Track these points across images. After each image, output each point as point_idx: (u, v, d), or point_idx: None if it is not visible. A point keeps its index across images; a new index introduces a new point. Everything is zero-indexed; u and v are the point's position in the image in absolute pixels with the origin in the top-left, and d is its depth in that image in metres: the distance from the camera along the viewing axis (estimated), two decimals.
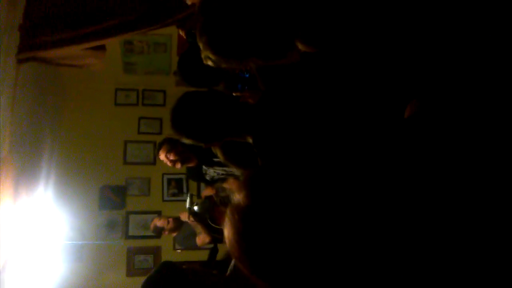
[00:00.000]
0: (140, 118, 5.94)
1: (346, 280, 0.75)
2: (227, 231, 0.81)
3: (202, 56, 1.52)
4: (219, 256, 4.70)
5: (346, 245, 0.73)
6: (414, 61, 1.27)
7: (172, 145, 3.64)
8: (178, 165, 3.68)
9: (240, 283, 1.55)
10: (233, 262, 1.62)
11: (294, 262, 0.74)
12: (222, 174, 3.45)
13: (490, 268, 0.77)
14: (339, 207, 0.75)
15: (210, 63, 1.51)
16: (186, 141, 1.94)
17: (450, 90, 1.08)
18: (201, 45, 1.49)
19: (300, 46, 1.43)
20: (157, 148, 3.75)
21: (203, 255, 4.72)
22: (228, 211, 0.82)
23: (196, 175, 3.75)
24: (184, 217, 4.38)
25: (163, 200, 5.76)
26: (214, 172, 3.45)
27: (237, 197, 0.80)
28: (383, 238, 0.75)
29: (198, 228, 4.30)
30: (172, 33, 5.18)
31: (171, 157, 3.62)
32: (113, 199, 5.60)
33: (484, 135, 0.85)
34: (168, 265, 1.66)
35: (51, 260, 3.62)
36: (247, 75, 2.39)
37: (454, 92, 1.05)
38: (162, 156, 3.69)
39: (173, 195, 5.78)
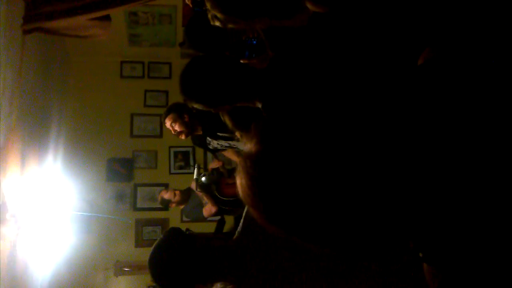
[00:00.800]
0: (146, 91, 5.93)
1: (358, 220, 0.75)
2: (240, 179, 0.81)
3: (209, 16, 1.50)
4: (226, 227, 4.76)
5: (355, 185, 0.73)
6: (427, 9, 1.25)
7: (178, 115, 3.62)
8: (183, 136, 3.68)
9: (247, 247, 1.56)
10: (239, 227, 1.64)
11: (306, 204, 0.74)
12: (225, 147, 3.45)
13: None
14: (350, 148, 0.74)
15: (217, 23, 1.49)
16: (195, 105, 1.92)
17: (463, 37, 1.07)
18: (208, 4, 1.46)
19: (310, 6, 1.41)
20: (164, 114, 3.73)
21: (211, 227, 4.79)
22: (240, 160, 0.82)
23: (201, 143, 3.75)
24: (214, 164, 4.41)
25: (170, 173, 5.80)
26: (218, 144, 3.45)
27: (248, 146, 0.80)
28: (394, 182, 0.75)
29: (205, 199, 4.34)
30: (177, 4, 5.13)
31: (177, 127, 3.62)
32: (120, 172, 5.64)
33: (495, 83, 0.84)
34: (176, 230, 1.67)
35: (60, 231, 3.67)
36: (255, 42, 2.36)
37: (466, 39, 1.04)
38: (168, 124, 3.68)
39: (180, 168, 5.82)
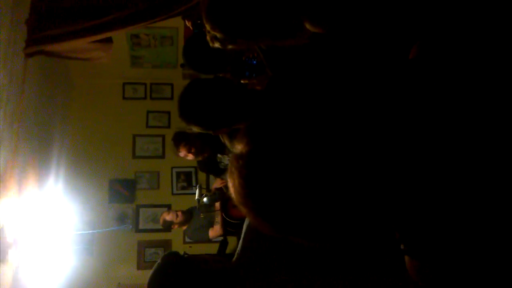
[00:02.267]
0: (148, 112, 5.95)
1: (346, 218, 0.77)
2: (232, 179, 0.83)
3: (208, 37, 1.51)
4: (229, 248, 4.73)
5: (342, 179, 0.76)
6: (418, 5, 1.27)
7: (187, 141, 3.69)
8: (191, 157, 3.74)
9: (245, 269, 1.55)
10: (238, 248, 1.63)
11: (296, 198, 0.76)
12: None
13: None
14: (337, 146, 0.77)
15: (217, 44, 1.50)
16: (194, 128, 1.93)
17: (452, 31, 1.08)
18: (208, 25, 1.47)
19: (308, 27, 1.42)
20: (174, 145, 3.78)
21: (213, 248, 4.75)
22: (231, 161, 0.84)
23: (207, 165, 3.76)
24: (218, 184, 4.39)
25: (173, 194, 5.78)
26: (228, 159, 3.46)
27: (239, 147, 0.83)
28: (385, 180, 0.77)
29: (216, 219, 4.32)
30: (179, 26, 5.17)
31: (193, 150, 3.69)
32: (122, 193, 5.63)
33: (486, 75, 0.86)
34: (173, 255, 1.66)
35: (62, 254, 3.64)
36: (255, 62, 2.37)
37: (455, 33, 1.06)
38: (183, 153, 3.73)
39: (183, 188, 5.80)
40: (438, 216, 0.81)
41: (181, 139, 3.77)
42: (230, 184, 0.84)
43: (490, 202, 0.78)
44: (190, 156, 3.75)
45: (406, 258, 0.92)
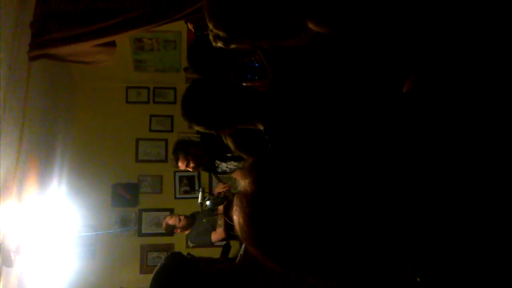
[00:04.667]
0: (151, 116, 5.96)
1: (352, 257, 0.76)
2: (237, 217, 0.82)
3: (211, 37, 1.50)
4: (232, 253, 4.71)
5: (348, 223, 0.74)
6: (413, 38, 1.27)
7: (185, 152, 3.67)
8: (190, 168, 3.71)
9: (249, 271, 1.54)
10: (241, 250, 1.62)
11: (302, 242, 0.75)
12: (234, 167, 3.45)
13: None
14: (343, 188, 0.75)
15: (219, 44, 1.50)
16: (197, 128, 1.92)
17: (446, 64, 1.08)
18: (210, 24, 1.47)
19: (312, 26, 1.41)
20: (174, 159, 3.76)
21: (216, 253, 4.74)
22: (236, 198, 0.83)
23: (209, 167, 3.76)
24: (220, 188, 4.37)
25: (175, 198, 5.78)
26: (227, 167, 3.45)
27: (244, 184, 0.81)
28: (389, 222, 0.76)
29: (219, 222, 4.31)
30: (182, 30, 5.19)
31: (192, 164, 3.66)
32: (125, 197, 5.63)
33: (482, 109, 0.85)
34: (177, 255, 1.66)
35: (64, 258, 3.64)
36: (257, 65, 2.37)
37: (449, 66, 1.06)
38: (182, 167, 3.72)
39: (185, 192, 5.80)
40: (454, 247, 0.80)
41: (179, 151, 3.76)
42: (235, 221, 0.83)
43: (503, 229, 0.78)
44: (190, 168, 3.73)
45: None
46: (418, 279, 0.86)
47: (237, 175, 3.87)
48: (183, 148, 3.71)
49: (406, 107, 0.92)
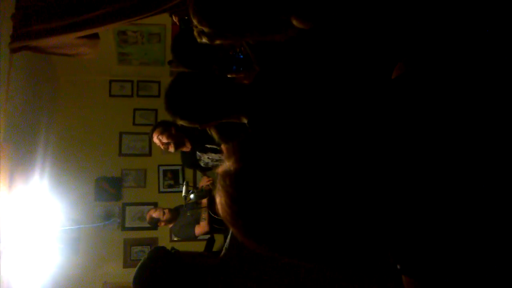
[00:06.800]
0: (135, 110, 5.93)
1: (335, 238, 0.76)
2: (219, 197, 0.81)
3: (196, 33, 1.50)
4: (216, 246, 4.72)
5: (333, 201, 0.75)
6: (401, 24, 1.28)
7: (165, 128, 3.63)
8: (172, 149, 3.66)
9: (234, 264, 1.55)
10: (226, 243, 1.63)
11: (285, 220, 0.75)
12: (217, 161, 3.45)
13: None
14: (325, 166, 0.76)
15: (204, 39, 1.49)
16: (181, 122, 1.92)
17: (435, 50, 1.09)
18: (195, 20, 1.47)
19: (295, 23, 1.42)
20: (151, 131, 3.74)
21: (200, 246, 4.74)
22: (218, 177, 0.82)
23: (191, 162, 3.74)
24: (204, 181, 4.36)
25: (159, 192, 5.76)
26: (208, 158, 3.44)
27: (227, 163, 0.81)
28: (373, 199, 0.77)
29: (203, 215, 4.30)
30: (166, 23, 5.16)
31: (164, 139, 3.61)
32: (109, 191, 5.59)
33: (467, 93, 0.86)
34: (160, 249, 1.66)
35: (47, 252, 3.61)
36: (242, 56, 2.37)
37: (438, 52, 1.07)
38: (155, 138, 3.68)
39: (169, 186, 5.78)
40: (435, 232, 0.80)
41: (160, 124, 3.73)
42: (217, 201, 0.83)
43: (486, 218, 0.78)
44: (163, 146, 3.70)
45: (403, 278, 0.91)
46: (399, 266, 0.87)
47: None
48: (164, 124, 3.68)
49: (395, 94, 0.92)
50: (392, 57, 1.14)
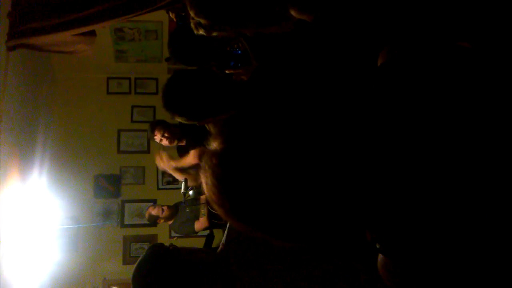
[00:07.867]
0: (133, 107, 5.93)
1: (319, 212, 0.77)
2: (205, 177, 0.82)
3: (193, 25, 1.50)
4: (215, 242, 4.73)
5: (316, 179, 0.76)
6: (387, 10, 1.28)
7: (165, 126, 3.80)
8: (174, 143, 3.83)
9: (231, 259, 1.56)
10: (223, 239, 1.64)
11: (269, 199, 0.76)
12: None
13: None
14: (310, 145, 0.77)
15: (201, 31, 1.49)
16: (179, 119, 1.92)
17: (419, 36, 1.09)
18: (192, 11, 1.46)
19: (294, 13, 1.42)
20: (150, 129, 3.87)
21: (200, 242, 4.75)
22: (205, 158, 0.83)
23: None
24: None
25: (158, 189, 5.77)
26: None
27: (214, 144, 0.82)
28: (354, 180, 0.77)
29: (202, 211, 4.34)
30: (163, 20, 5.15)
31: (167, 134, 3.77)
32: (108, 188, 5.60)
33: (454, 77, 0.86)
34: (159, 246, 1.67)
35: (47, 249, 3.62)
36: (240, 52, 2.37)
37: (423, 38, 1.07)
38: (157, 136, 3.81)
39: (168, 183, 5.78)
40: (413, 212, 0.81)
41: (158, 123, 3.87)
42: (203, 182, 0.83)
43: (464, 198, 0.79)
44: (165, 141, 3.82)
45: (379, 257, 0.92)
46: (378, 246, 0.88)
47: None
48: (163, 122, 3.84)
49: (382, 79, 0.93)
50: (379, 43, 1.15)
